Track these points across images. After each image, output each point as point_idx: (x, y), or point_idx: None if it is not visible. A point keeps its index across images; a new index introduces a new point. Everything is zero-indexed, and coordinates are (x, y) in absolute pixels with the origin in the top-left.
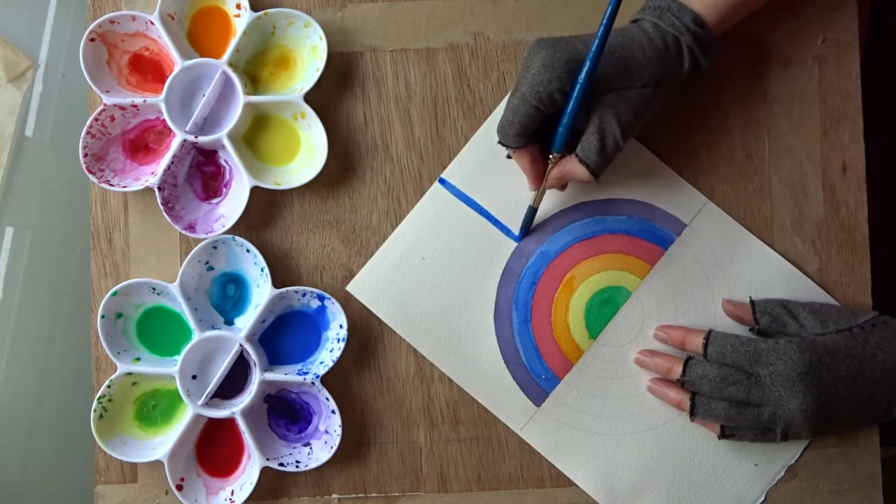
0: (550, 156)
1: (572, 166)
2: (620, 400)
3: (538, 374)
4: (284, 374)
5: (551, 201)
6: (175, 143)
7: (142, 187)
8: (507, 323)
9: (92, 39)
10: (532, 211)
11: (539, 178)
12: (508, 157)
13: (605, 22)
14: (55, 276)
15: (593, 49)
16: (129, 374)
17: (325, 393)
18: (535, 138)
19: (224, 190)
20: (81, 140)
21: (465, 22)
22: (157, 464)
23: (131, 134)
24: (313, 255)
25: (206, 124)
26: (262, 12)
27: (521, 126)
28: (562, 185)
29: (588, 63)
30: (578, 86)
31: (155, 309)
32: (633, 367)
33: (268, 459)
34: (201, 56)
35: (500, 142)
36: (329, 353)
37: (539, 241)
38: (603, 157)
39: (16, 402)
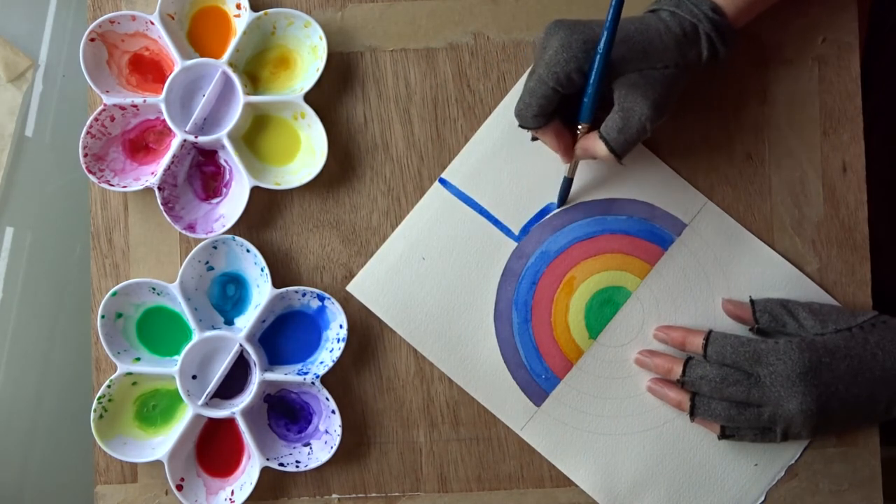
0: (578, 127)
1: (593, 143)
2: (620, 400)
3: (538, 374)
4: (284, 374)
5: (550, 201)
6: (175, 143)
7: (142, 187)
8: (507, 323)
9: (92, 39)
10: (568, 182)
11: (568, 150)
12: (534, 139)
13: None
14: (55, 276)
15: (612, 7)
16: (129, 374)
17: (325, 393)
18: (554, 116)
19: (224, 190)
20: (81, 140)
21: (465, 22)
22: (157, 464)
23: (131, 134)
24: (313, 255)
25: (206, 124)
26: (262, 12)
27: (538, 107)
28: (593, 157)
29: (608, 24)
30: (599, 55)
31: (155, 309)
32: (633, 367)
33: (268, 459)
34: (201, 56)
35: (519, 125)
36: (329, 353)
37: (539, 241)
38: (625, 135)
39: (16, 402)
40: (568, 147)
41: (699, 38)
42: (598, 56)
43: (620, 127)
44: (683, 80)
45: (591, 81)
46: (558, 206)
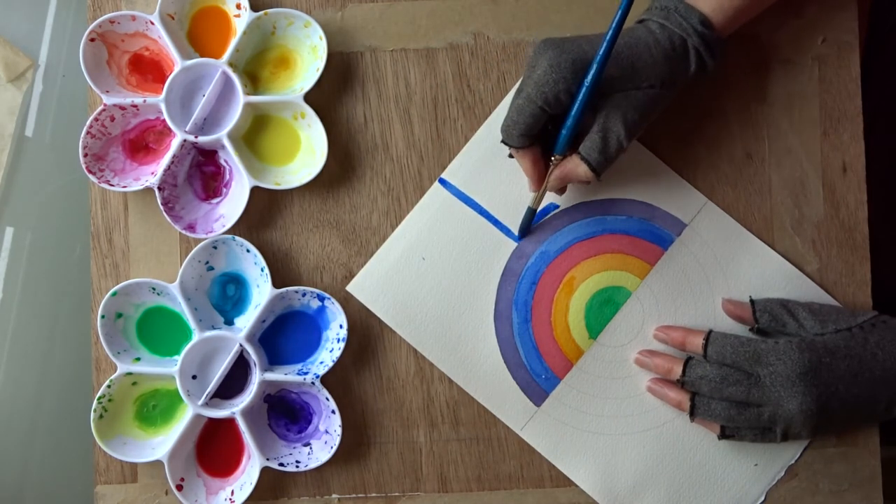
0: (552, 158)
1: (573, 165)
2: (620, 400)
3: (538, 374)
4: (284, 374)
5: (551, 202)
6: (175, 143)
7: (142, 187)
8: (507, 323)
9: (92, 39)
10: (531, 213)
11: (540, 179)
12: (510, 156)
13: (613, 26)
14: (55, 276)
15: (600, 53)
16: (129, 374)
17: (325, 393)
18: (538, 139)
19: (224, 190)
20: (81, 140)
21: (465, 22)
22: (157, 464)
23: (131, 134)
24: (313, 255)
25: (206, 124)
26: (262, 12)
27: (525, 126)
28: (561, 189)
29: (595, 67)
30: (584, 89)
31: (155, 309)
32: (633, 367)
33: (268, 459)
34: (201, 56)
35: (503, 141)
36: (329, 353)
37: (539, 241)
38: (605, 155)
39: (16, 402)
40: (540, 176)
41: (688, 52)
42: (580, 97)
43: (601, 148)
44: (668, 98)
45: (572, 115)
46: (519, 237)
